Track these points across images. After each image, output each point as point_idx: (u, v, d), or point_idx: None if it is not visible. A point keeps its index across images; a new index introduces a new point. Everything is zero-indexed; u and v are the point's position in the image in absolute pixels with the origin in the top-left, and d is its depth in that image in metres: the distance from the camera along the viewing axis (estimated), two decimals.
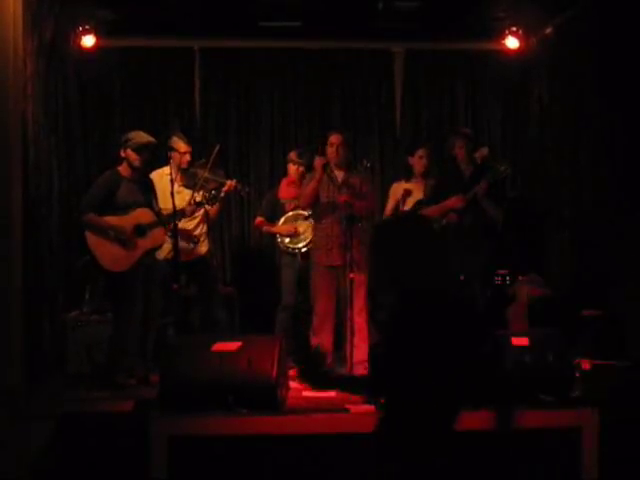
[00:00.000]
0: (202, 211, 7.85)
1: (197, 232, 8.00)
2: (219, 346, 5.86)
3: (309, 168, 8.29)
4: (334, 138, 7.69)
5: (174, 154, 7.80)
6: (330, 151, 7.67)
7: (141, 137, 7.27)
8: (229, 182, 7.94)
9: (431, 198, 8.04)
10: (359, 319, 7.45)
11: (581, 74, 8.63)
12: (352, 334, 7.30)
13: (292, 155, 8.57)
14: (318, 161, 7.60)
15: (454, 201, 7.63)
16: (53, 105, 8.35)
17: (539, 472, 5.68)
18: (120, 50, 9.69)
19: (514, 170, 9.45)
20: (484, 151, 8.17)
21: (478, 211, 7.64)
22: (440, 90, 10.30)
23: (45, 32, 7.89)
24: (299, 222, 8.34)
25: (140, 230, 7.16)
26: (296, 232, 8.33)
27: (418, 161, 8.47)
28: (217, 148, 7.90)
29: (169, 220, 7.22)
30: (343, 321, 7.60)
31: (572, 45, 8.75)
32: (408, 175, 8.67)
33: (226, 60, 10.04)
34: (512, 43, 9.28)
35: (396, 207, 8.67)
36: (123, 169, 7.29)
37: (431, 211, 7.93)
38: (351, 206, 7.45)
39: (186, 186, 7.83)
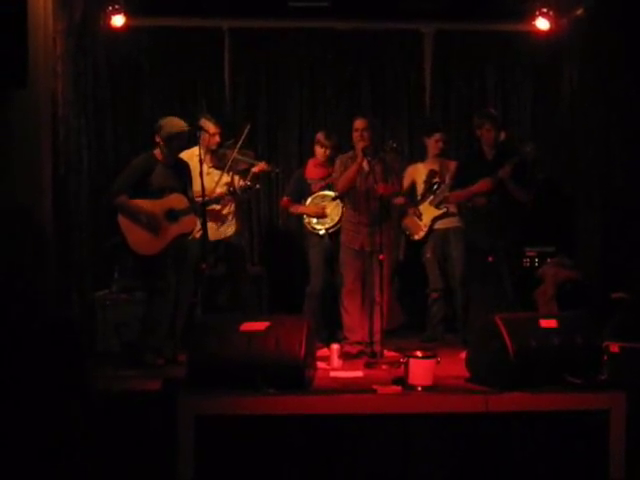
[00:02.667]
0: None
1: (225, 211, 8.00)
2: (247, 326, 5.89)
3: (336, 149, 8.30)
4: (358, 123, 7.70)
5: (203, 135, 7.77)
6: (355, 135, 7.68)
7: (171, 126, 7.24)
8: (259, 163, 7.96)
9: (456, 181, 8.03)
10: (382, 299, 7.51)
11: (612, 55, 8.55)
12: (381, 314, 7.41)
13: (320, 136, 8.54)
14: (359, 145, 7.60)
15: (481, 185, 7.62)
16: (83, 84, 8.37)
17: (567, 453, 5.68)
18: (149, 30, 9.70)
19: (544, 152, 9.43)
20: (501, 135, 8.15)
21: (504, 193, 7.62)
22: (470, 71, 10.23)
23: (75, 11, 7.92)
24: (326, 203, 8.32)
25: (172, 215, 7.17)
26: (324, 213, 8.31)
27: (434, 144, 8.64)
28: (247, 128, 7.91)
29: (202, 206, 7.22)
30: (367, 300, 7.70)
31: (603, 26, 8.67)
32: (423, 157, 8.74)
33: (255, 40, 9.99)
34: (543, 24, 9.19)
35: (408, 189, 8.72)
36: (158, 153, 7.30)
37: (457, 195, 7.95)
38: (382, 198, 7.49)
39: (216, 167, 7.86)
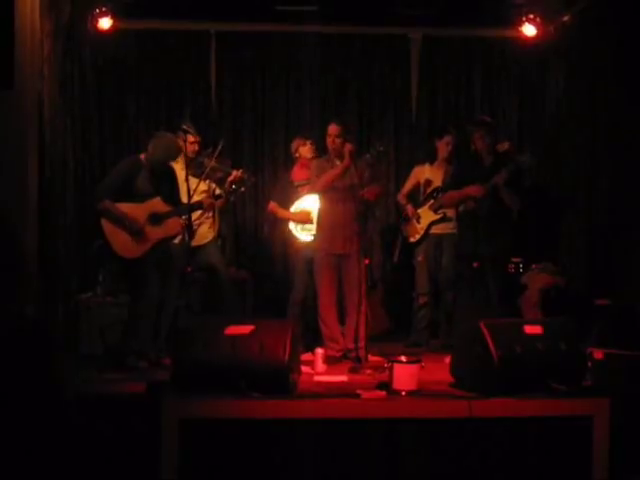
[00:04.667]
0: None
1: (200, 220, 8.01)
2: (232, 330, 5.87)
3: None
4: (331, 129, 7.72)
5: (186, 142, 7.78)
6: (329, 141, 7.70)
7: (159, 152, 7.25)
8: (235, 172, 8.01)
9: (449, 185, 8.06)
10: (364, 304, 7.52)
11: (599, 62, 8.58)
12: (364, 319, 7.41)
13: (298, 141, 8.59)
14: (347, 147, 7.59)
15: (474, 189, 7.66)
16: (69, 87, 8.36)
17: (550, 459, 5.69)
18: (136, 33, 9.71)
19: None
20: (505, 145, 8.17)
21: (495, 199, 7.64)
22: (457, 77, 10.26)
23: (62, 14, 7.92)
24: (312, 208, 8.32)
25: (155, 219, 7.17)
26: (309, 219, 8.29)
27: (444, 147, 8.65)
28: (221, 144, 7.99)
29: (186, 211, 7.22)
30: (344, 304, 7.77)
31: (590, 33, 8.70)
32: (432, 159, 8.74)
33: (241, 44, 10.01)
34: (530, 31, 9.22)
35: (413, 189, 8.75)
36: (144, 157, 7.30)
37: (449, 197, 7.99)
38: (367, 201, 7.53)
39: (193, 175, 7.85)
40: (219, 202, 8.04)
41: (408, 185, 8.91)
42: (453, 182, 8.06)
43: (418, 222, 8.71)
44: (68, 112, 8.28)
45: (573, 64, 9.23)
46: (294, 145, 8.65)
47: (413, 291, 8.78)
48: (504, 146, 8.12)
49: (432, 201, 8.65)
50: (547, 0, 8.95)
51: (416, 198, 8.87)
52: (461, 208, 7.95)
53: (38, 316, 6.74)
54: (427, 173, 8.81)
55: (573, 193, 9.10)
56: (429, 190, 8.70)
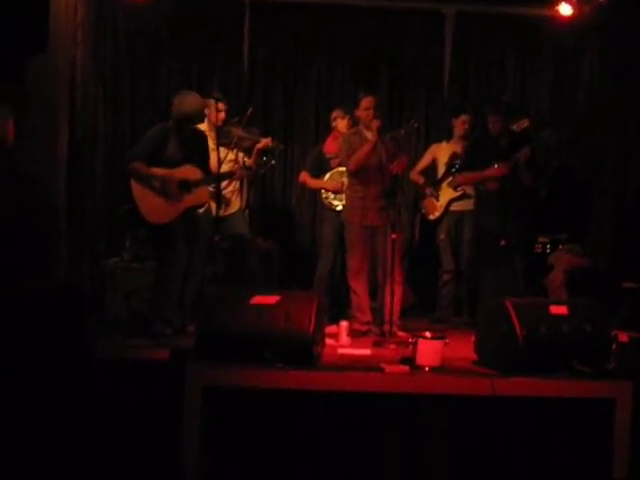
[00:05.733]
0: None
1: (229, 189, 8.02)
2: (257, 299, 5.88)
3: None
4: (368, 101, 7.64)
5: (210, 111, 7.79)
6: (365, 114, 7.63)
7: (183, 105, 7.21)
8: (264, 139, 7.99)
9: (463, 166, 8.02)
10: (397, 278, 7.47)
11: (634, 45, 8.52)
12: (392, 293, 7.36)
13: (337, 112, 8.56)
14: (374, 123, 7.55)
15: (498, 170, 7.58)
16: (102, 53, 8.38)
17: (572, 440, 5.69)
18: (170, 0, 9.67)
19: (560, 138, 9.42)
20: (524, 123, 8.09)
21: (516, 179, 7.59)
22: (490, 54, 10.19)
23: None
24: (345, 179, 8.30)
25: (185, 186, 7.17)
26: (342, 188, 8.28)
27: (460, 125, 8.66)
28: (249, 112, 7.96)
29: (216, 180, 7.25)
30: (376, 279, 7.71)
31: (626, 13, 8.63)
32: (449, 136, 8.73)
33: (276, 14, 9.96)
34: (565, 10, 9.14)
35: (427, 167, 8.73)
36: (172, 118, 7.30)
37: (467, 177, 7.91)
38: (396, 175, 7.47)
39: (221, 144, 7.85)
40: (248, 173, 8.04)
41: (423, 162, 8.88)
42: (468, 163, 8.00)
43: (437, 199, 8.69)
44: (100, 77, 8.30)
45: (608, 45, 9.16)
46: (333, 115, 8.62)
47: (438, 268, 8.77)
48: (523, 124, 8.04)
49: (451, 178, 8.62)
50: None
51: (432, 176, 8.86)
52: (481, 187, 7.89)
53: (67, 279, 6.78)
54: (445, 150, 8.80)
55: (603, 174, 9.05)
56: (448, 167, 8.67)
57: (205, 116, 7.58)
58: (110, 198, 8.53)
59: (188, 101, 7.24)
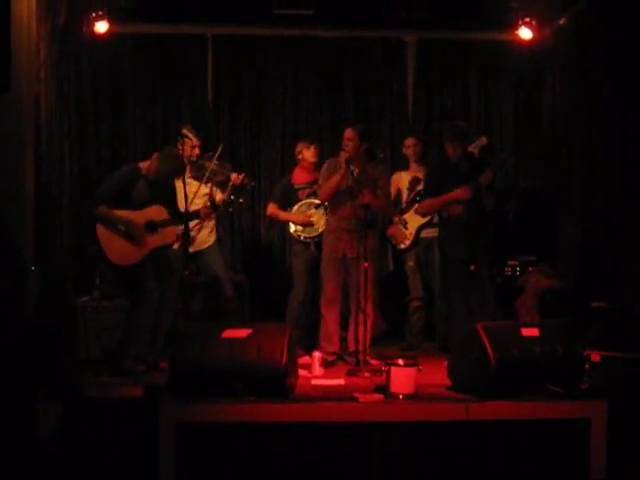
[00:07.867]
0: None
1: (205, 224, 8.05)
2: (229, 333, 5.89)
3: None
4: (349, 133, 7.68)
5: (185, 146, 7.82)
6: (350, 146, 7.64)
7: (169, 168, 7.27)
8: (235, 175, 7.99)
9: (427, 191, 7.93)
10: (369, 307, 7.48)
11: (594, 65, 8.60)
12: (365, 322, 7.37)
13: (302, 144, 8.58)
14: (342, 156, 7.57)
15: (461, 193, 7.51)
16: (66, 90, 8.35)
17: (547, 462, 5.69)
18: (133, 36, 9.68)
19: (525, 161, 9.50)
20: (483, 140, 8.11)
21: (479, 203, 7.57)
22: (452, 80, 10.26)
23: (59, 17, 7.90)
24: (313, 211, 8.31)
25: (151, 227, 7.16)
26: (310, 221, 8.30)
27: (407, 149, 8.66)
28: (222, 146, 8.05)
29: (182, 220, 7.27)
30: (350, 308, 7.70)
31: (586, 36, 8.72)
32: (405, 166, 8.76)
33: (239, 48, 10.00)
34: (525, 34, 9.22)
35: (395, 196, 8.70)
36: (143, 166, 7.29)
37: (434, 203, 7.80)
38: (368, 206, 7.46)
39: (194, 178, 7.87)
40: (216, 213, 8.05)
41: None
42: (430, 191, 7.91)
43: (405, 227, 8.67)
44: (65, 116, 8.27)
45: (568, 67, 9.24)
46: (298, 148, 8.63)
47: (406, 296, 8.76)
48: (482, 142, 8.06)
49: (417, 205, 8.55)
50: (542, 3, 8.93)
51: (397, 205, 8.82)
52: (444, 214, 7.82)
53: (37, 320, 6.73)
54: (405, 178, 8.79)
55: (569, 196, 9.10)
56: (413, 194, 8.66)
57: (185, 171, 7.65)
58: (78, 236, 8.48)
59: (171, 164, 7.30)
